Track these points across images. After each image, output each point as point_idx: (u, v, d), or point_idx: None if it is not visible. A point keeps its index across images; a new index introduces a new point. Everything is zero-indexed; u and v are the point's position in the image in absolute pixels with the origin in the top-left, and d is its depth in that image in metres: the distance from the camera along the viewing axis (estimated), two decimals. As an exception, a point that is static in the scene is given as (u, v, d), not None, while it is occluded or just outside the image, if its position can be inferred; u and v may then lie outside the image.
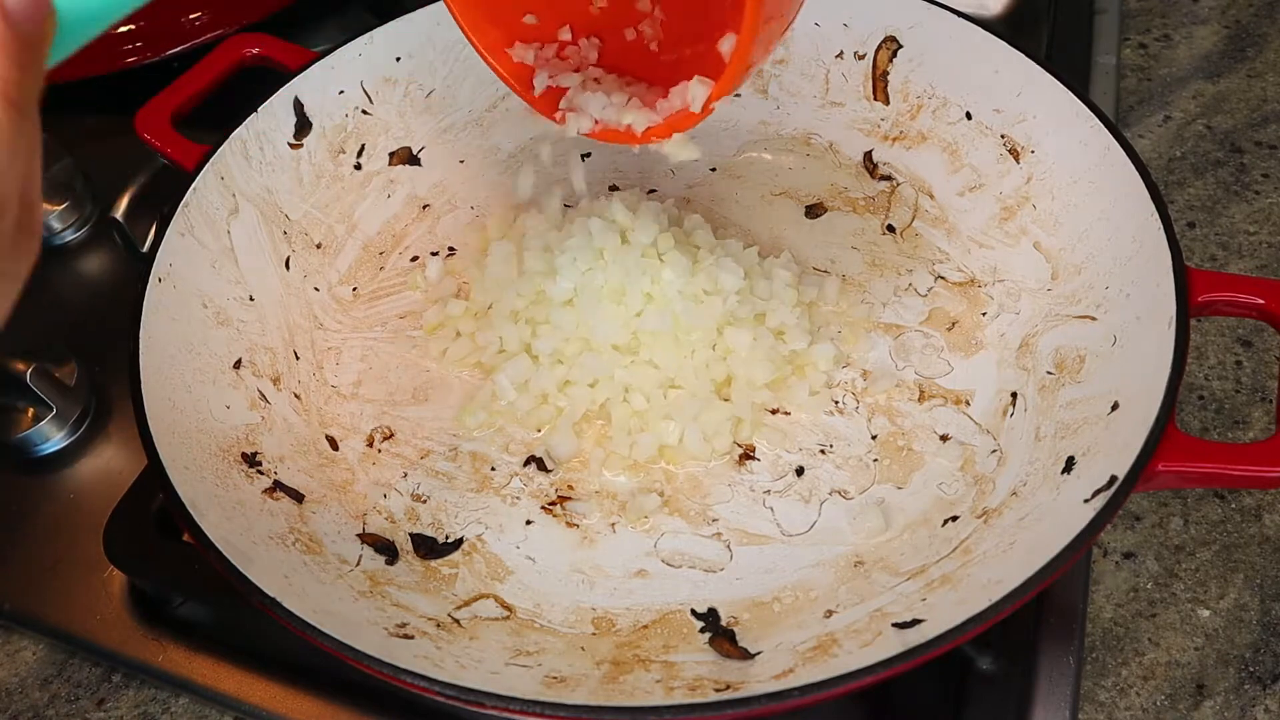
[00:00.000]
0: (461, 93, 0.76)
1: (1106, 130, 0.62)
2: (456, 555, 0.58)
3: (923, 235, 0.71)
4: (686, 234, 0.68)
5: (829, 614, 0.53)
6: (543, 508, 0.60)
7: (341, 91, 0.72)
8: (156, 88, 0.68)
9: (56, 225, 0.81)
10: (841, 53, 0.75)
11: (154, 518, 0.60)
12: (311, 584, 0.52)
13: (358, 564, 0.56)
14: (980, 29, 0.69)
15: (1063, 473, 0.54)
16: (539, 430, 0.63)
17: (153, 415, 0.53)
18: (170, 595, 0.61)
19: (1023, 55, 0.67)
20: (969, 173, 0.70)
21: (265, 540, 0.53)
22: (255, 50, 0.71)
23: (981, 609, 0.45)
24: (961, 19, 0.70)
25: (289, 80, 0.69)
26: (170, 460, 0.52)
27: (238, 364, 0.62)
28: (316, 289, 0.69)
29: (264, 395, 0.62)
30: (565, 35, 0.59)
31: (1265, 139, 0.84)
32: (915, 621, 0.49)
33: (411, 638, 0.51)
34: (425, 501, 0.60)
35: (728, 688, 0.49)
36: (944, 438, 0.61)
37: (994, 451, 0.60)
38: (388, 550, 0.57)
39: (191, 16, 0.91)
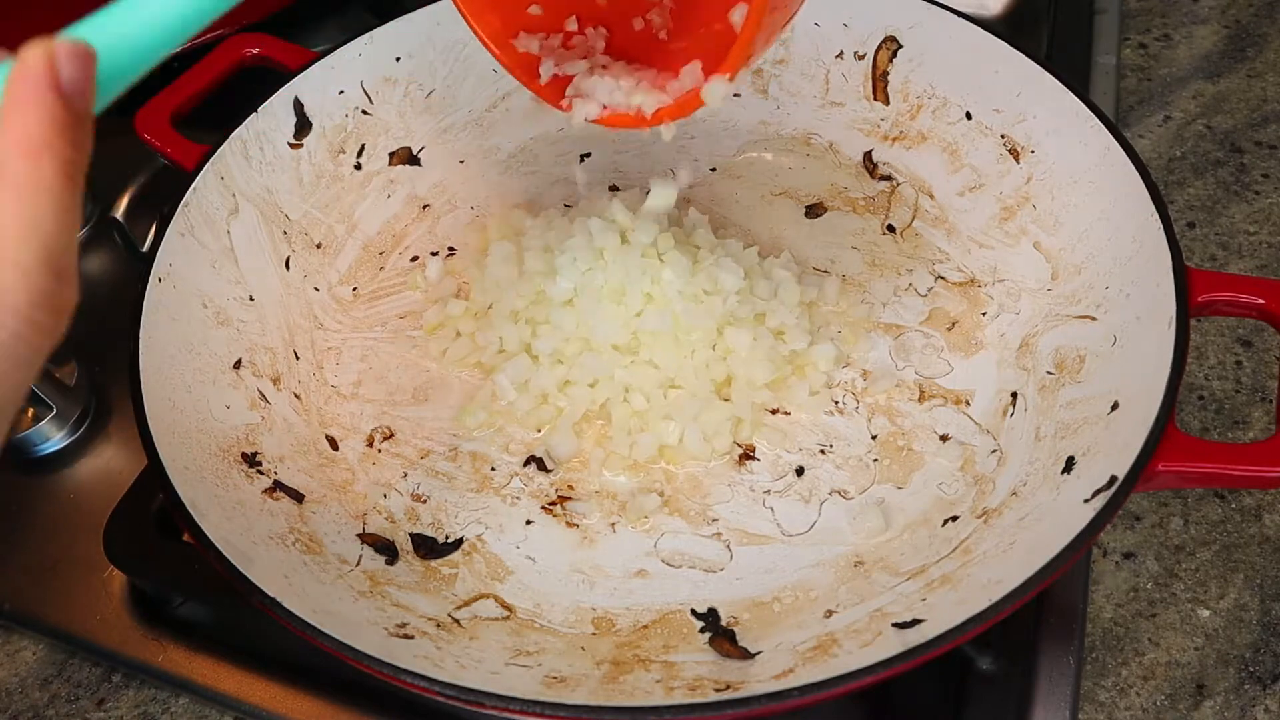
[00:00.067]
0: (461, 93, 0.76)
1: (1106, 130, 0.62)
2: (456, 555, 0.58)
3: (923, 235, 0.71)
4: (686, 234, 0.68)
5: (829, 614, 0.53)
6: (543, 508, 0.60)
7: (341, 91, 0.72)
8: (156, 88, 0.68)
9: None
10: (841, 53, 0.75)
11: (154, 518, 0.60)
12: (311, 584, 0.52)
13: (358, 564, 0.56)
14: (980, 29, 0.69)
15: (1063, 473, 0.54)
16: (539, 430, 0.63)
17: (153, 415, 0.53)
18: (170, 595, 0.61)
19: (1023, 55, 0.67)
20: (969, 173, 0.70)
21: (265, 540, 0.53)
22: (255, 50, 0.71)
23: (981, 609, 0.45)
24: (961, 19, 0.70)
25: (289, 80, 0.69)
26: (170, 460, 0.52)
27: (238, 364, 0.62)
28: (316, 289, 0.69)
29: (264, 395, 0.62)
30: (572, 26, 0.59)
31: (1265, 139, 0.84)
32: (915, 621, 0.49)
33: (411, 638, 0.51)
34: (425, 501, 0.60)
35: (728, 688, 0.49)
36: (944, 438, 0.61)
37: (994, 451, 0.60)
38: (388, 550, 0.57)
39: (191, 16, 0.91)
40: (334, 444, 0.63)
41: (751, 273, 0.65)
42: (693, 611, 0.55)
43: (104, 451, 0.68)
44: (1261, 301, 0.54)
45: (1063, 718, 0.54)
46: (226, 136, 0.66)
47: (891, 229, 0.72)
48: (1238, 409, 0.68)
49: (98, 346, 0.72)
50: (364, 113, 0.73)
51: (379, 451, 0.62)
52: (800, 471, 0.61)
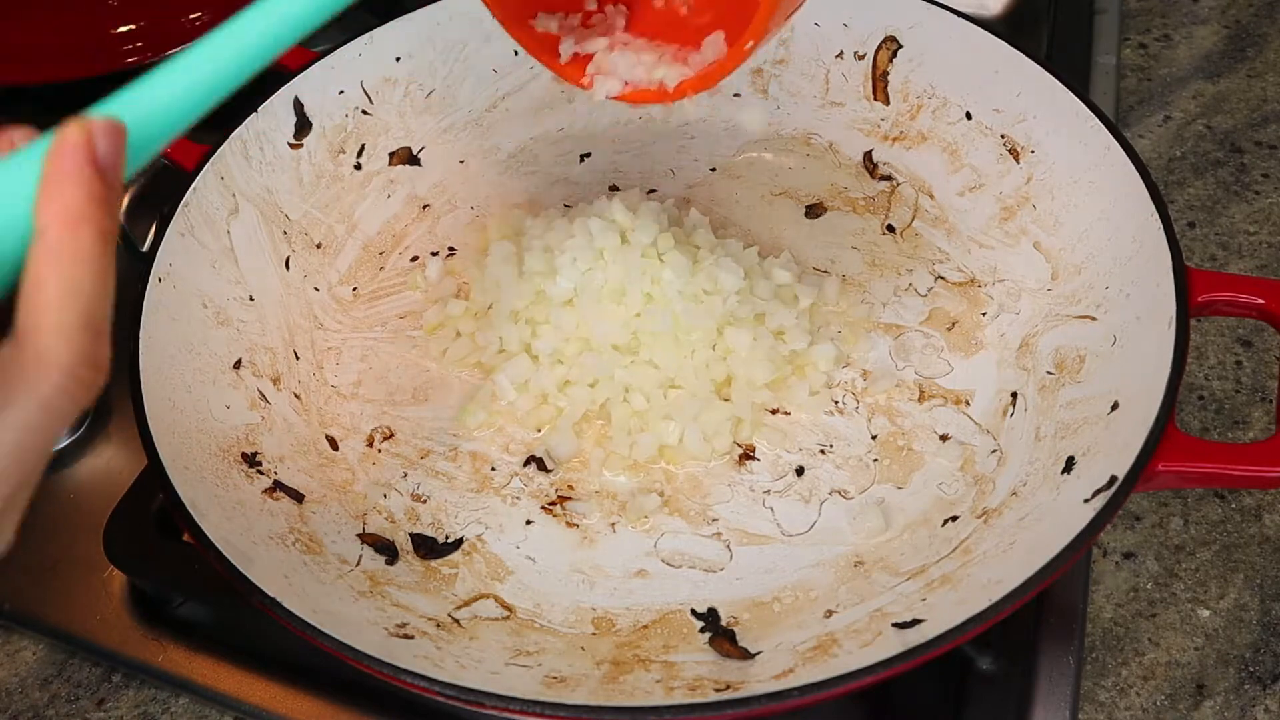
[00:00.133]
0: (461, 93, 0.76)
1: (1106, 130, 0.62)
2: (456, 555, 0.58)
3: (923, 235, 0.71)
4: (686, 234, 0.68)
5: (829, 614, 0.53)
6: (543, 508, 0.60)
7: (341, 91, 0.72)
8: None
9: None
10: (841, 53, 0.75)
11: (154, 518, 0.60)
12: (311, 584, 0.52)
13: (358, 564, 0.56)
14: (980, 29, 0.69)
15: (1063, 473, 0.54)
16: (539, 430, 0.63)
17: (153, 415, 0.53)
18: (170, 595, 0.61)
19: (1023, 55, 0.67)
20: (969, 173, 0.70)
21: (265, 540, 0.53)
22: (255, 50, 0.71)
23: (981, 609, 0.45)
24: (961, 19, 0.70)
25: (289, 80, 0.69)
26: (170, 460, 0.52)
27: (238, 364, 0.62)
28: (316, 289, 0.69)
29: (264, 395, 0.62)
30: (591, 4, 0.58)
31: (1265, 139, 0.84)
32: (915, 621, 0.49)
33: (411, 638, 0.51)
34: (425, 501, 0.60)
35: (728, 688, 0.49)
36: (944, 438, 0.61)
37: (994, 451, 0.60)
38: (388, 550, 0.57)
39: (191, 16, 0.91)
40: (334, 444, 0.63)
41: (751, 273, 0.65)
42: (693, 611, 0.55)
43: (104, 451, 0.68)
44: (1261, 301, 0.54)
45: (1063, 718, 0.54)
46: (226, 136, 0.66)
47: (891, 229, 0.72)
48: (1238, 409, 0.68)
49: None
50: (364, 113, 0.73)
51: (379, 451, 0.62)
52: (800, 471, 0.61)
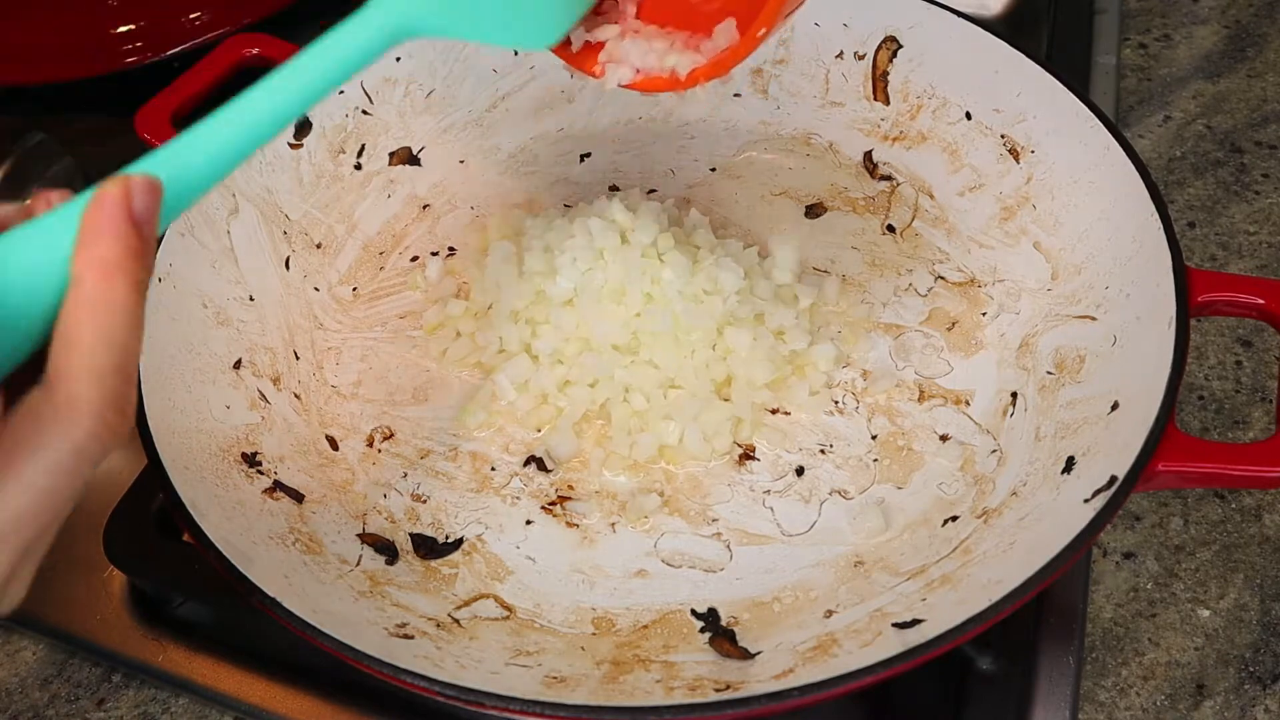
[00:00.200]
0: (461, 93, 0.76)
1: (1106, 130, 0.62)
2: (456, 555, 0.58)
3: (923, 235, 0.71)
4: (686, 234, 0.68)
5: (829, 614, 0.53)
6: (543, 508, 0.60)
7: (341, 91, 0.72)
8: (156, 88, 0.68)
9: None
10: (841, 53, 0.75)
11: (154, 518, 0.60)
12: (311, 584, 0.52)
13: (358, 564, 0.56)
14: (980, 29, 0.69)
15: (1063, 473, 0.54)
16: (539, 430, 0.63)
17: (153, 415, 0.53)
18: (170, 595, 0.61)
19: (1023, 55, 0.67)
20: (969, 173, 0.70)
21: (265, 540, 0.53)
22: (255, 50, 0.71)
23: (981, 609, 0.45)
24: (961, 19, 0.70)
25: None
26: (170, 460, 0.52)
27: (238, 364, 0.62)
28: (316, 289, 0.69)
29: (264, 395, 0.62)
30: None
31: (1265, 139, 0.84)
32: (915, 621, 0.49)
33: (411, 638, 0.51)
34: (425, 501, 0.60)
35: (728, 688, 0.49)
36: (944, 438, 0.61)
37: (994, 451, 0.60)
38: (388, 550, 0.57)
39: (191, 16, 0.91)
40: (334, 444, 0.63)
41: (751, 273, 0.65)
42: (693, 611, 0.55)
43: (104, 451, 0.68)
44: (1261, 301, 0.54)
45: (1063, 718, 0.54)
46: (226, 136, 0.66)
47: (891, 229, 0.72)
48: (1238, 409, 0.68)
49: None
50: (364, 113, 0.73)
51: (379, 451, 0.62)
52: (800, 471, 0.61)
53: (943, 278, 0.68)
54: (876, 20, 0.73)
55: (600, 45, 0.55)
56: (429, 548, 0.58)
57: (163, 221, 0.38)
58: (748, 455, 0.61)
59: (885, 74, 0.74)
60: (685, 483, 0.61)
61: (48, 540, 0.35)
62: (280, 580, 0.50)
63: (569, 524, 0.59)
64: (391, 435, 0.63)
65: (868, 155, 0.75)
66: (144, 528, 0.60)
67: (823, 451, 0.61)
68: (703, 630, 0.54)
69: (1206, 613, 0.60)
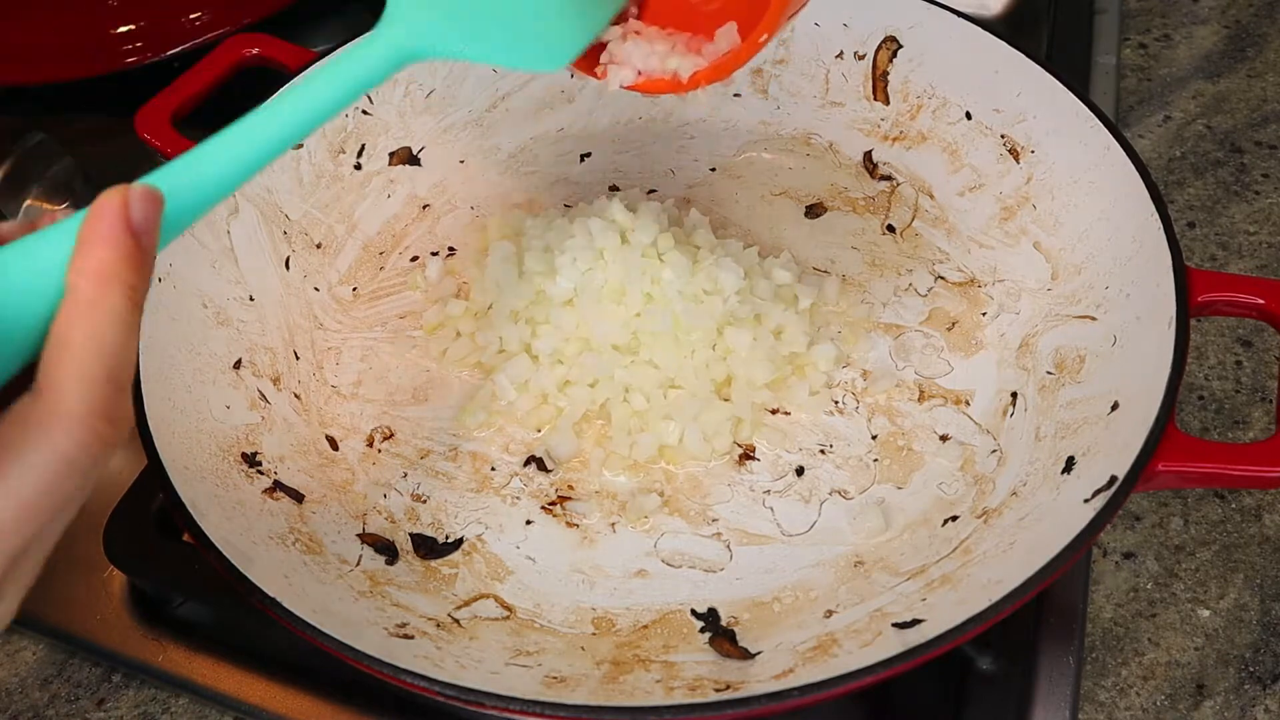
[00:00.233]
0: (461, 93, 0.76)
1: (1106, 130, 0.62)
2: (456, 555, 0.58)
3: (923, 235, 0.71)
4: (686, 234, 0.68)
5: (829, 614, 0.53)
6: (543, 508, 0.60)
7: (341, 91, 0.71)
8: (156, 88, 0.68)
9: (56, 225, 0.81)
10: (841, 53, 0.75)
11: (154, 518, 0.60)
12: (311, 584, 0.52)
13: (358, 564, 0.56)
14: (980, 29, 0.69)
15: (1063, 473, 0.54)
16: (539, 430, 0.63)
17: (153, 415, 0.53)
18: (170, 595, 0.61)
19: (1023, 55, 0.67)
20: (969, 173, 0.70)
21: (265, 540, 0.53)
22: (255, 50, 0.71)
23: (981, 609, 0.45)
24: (961, 19, 0.70)
25: (289, 80, 0.69)
26: (170, 460, 0.52)
27: (238, 364, 0.62)
28: (316, 289, 0.69)
29: (264, 395, 0.62)
30: None
31: (1265, 139, 0.84)
32: (915, 621, 0.49)
33: (411, 638, 0.51)
34: (425, 501, 0.60)
35: (728, 688, 0.49)
36: (944, 438, 0.61)
37: (994, 451, 0.60)
38: (388, 550, 0.57)
39: (191, 16, 0.91)
40: (334, 444, 0.63)
41: (751, 273, 0.65)
42: (693, 611, 0.55)
43: (104, 451, 0.68)
44: (1261, 301, 0.54)
45: (1063, 718, 0.54)
46: (226, 136, 0.66)
47: (891, 229, 0.72)
48: (1238, 409, 0.68)
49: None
50: (364, 113, 0.73)
51: (379, 451, 0.62)
52: (800, 471, 0.61)
53: (943, 278, 0.68)
54: (876, 20, 0.73)
55: (602, 46, 0.55)
56: (429, 548, 0.58)
57: (165, 238, 0.38)
58: (748, 455, 0.61)
59: (885, 74, 0.74)
60: (685, 483, 0.61)
61: (40, 555, 0.34)
62: (280, 580, 0.50)
63: (569, 524, 0.59)
64: (391, 435, 0.63)
65: (868, 155, 0.75)
66: (144, 528, 0.60)
67: (823, 451, 0.61)
68: (703, 630, 0.54)
69: (1206, 613, 0.60)
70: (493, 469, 0.62)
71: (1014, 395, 0.61)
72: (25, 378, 0.34)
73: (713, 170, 0.76)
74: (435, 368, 0.66)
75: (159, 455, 0.52)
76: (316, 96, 0.43)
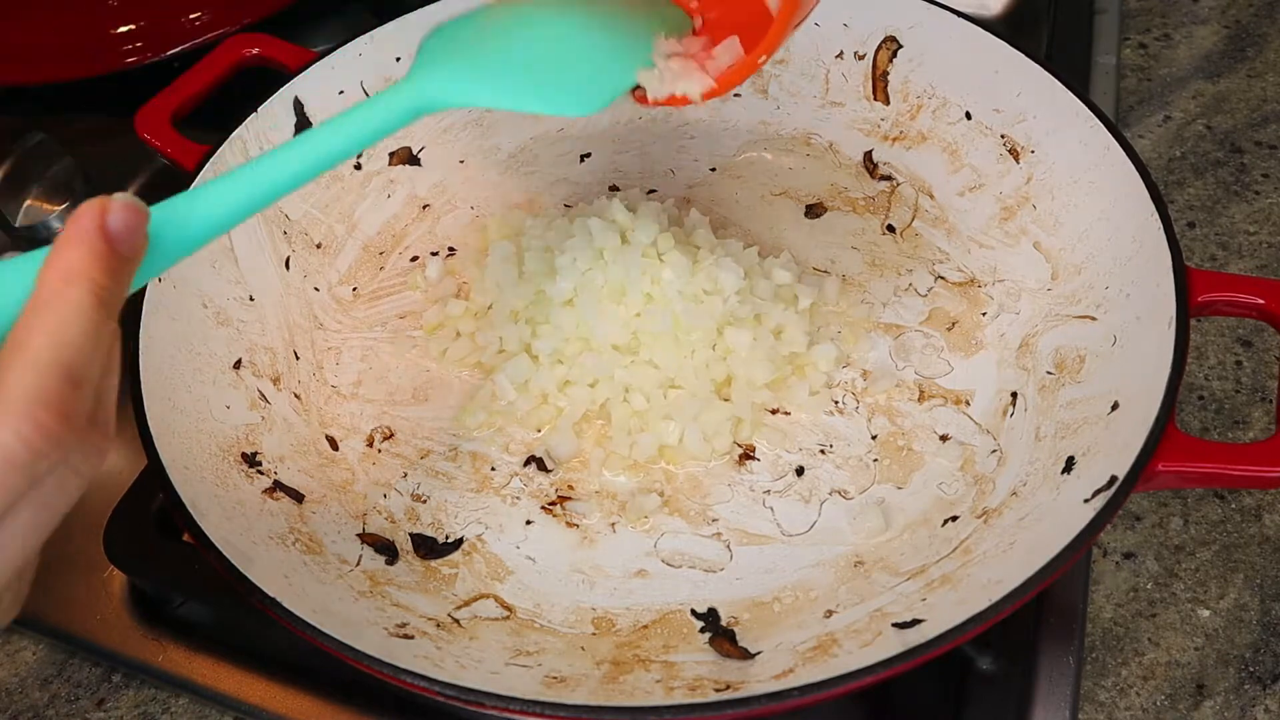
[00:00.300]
0: (461, 93, 0.76)
1: (1106, 130, 0.62)
2: (456, 555, 0.58)
3: (923, 235, 0.71)
4: (686, 234, 0.68)
5: (829, 614, 0.53)
6: (543, 508, 0.60)
7: (341, 92, 0.71)
8: (156, 88, 0.68)
9: (57, 225, 0.81)
10: (841, 53, 0.75)
11: (154, 518, 0.60)
12: (311, 584, 0.52)
13: (358, 564, 0.56)
14: (980, 29, 0.69)
15: (1063, 473, 0.54)
16: (539, 430, 0.63)
17: (153, 415, 0.53)
18: (170, 595, 0.61)
19: (1023, 55, 0.67)
20: (969, 173, 0.70)
21: (265, 540, 0.53)
22: (255, 50, 0.71)
23: (981, 609, 0.45)
24: (961, 19, 0.70)
25: (289, 80, 0.69)
26: (170, 460, 0.52)
27: (238, 364, 0.62)
28: (316, 289, 0.69)
29: (264, 395, 0.62)
30: None
31: (1265, 139, 0.84)
32: (915, 621, 0.49)
33: (411, 638, 0.51)
34: (425, 501, 0.60)
35: (728, 688, 0.49)
36: (944, 438, 0.61)
37: (994, 451, 0.60)
38: (388, 550, 0.58)
39: (191, 16, 0.91)
40: (334, 444, 0.63)
41: (751, 273, 0.65)
42: (693, 611, 0.55)
43: (104, 451, 0.68)
44: (1261, 301, 0.54)
45: (1063, 718, 0.54)
46: (226, 136, 0.66)
47: (891, 229, 0.72)
48: (1238, 409, 0.68)
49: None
50: (364, 113, 0.73)
51: (379, 451, 0.62)
52: (800, 471, 0.61)
53: (943, 278, 0.68)
54: (876, 20, 0.73)
55: None
56: (429, 548, 0.58)
57: (167, 259, 0.38)
58: (748, 455, 0.61)
59: (885, 74, 0.74)
60: (685, 483, 0.61)
61: (12, 563, 0.32)
62: (280, 580, 0.50)
63: (569, 524, 0.59)
64: (391, 435, 0.63)
65: (868, 155, 0.75)
66: (144, 528, 0.60)
67: (823, 451, 0.61)
68: (703, 630, 0.54)
69: (1206, 613, 0.60)
70: (493, 469, 0.62)
71: (1014, 395, 0.61)
72: None
73: (713, 170, 0.76)
74: (435, 368, 0.66)
75: (159, 455, 0.52)
76: (334, 137, 0.44)
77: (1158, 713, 0.57)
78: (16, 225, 0.76)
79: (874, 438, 0.62)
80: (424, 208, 0.75)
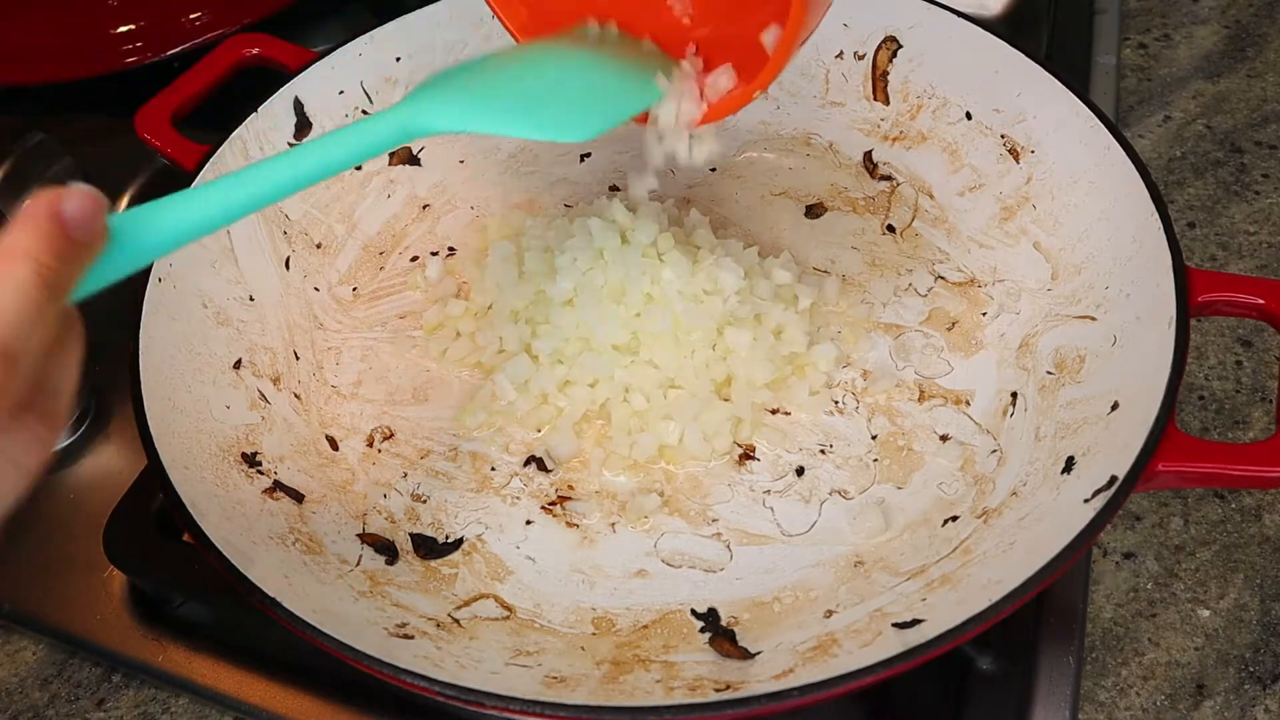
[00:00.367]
0: (461, 93, 0.76)
1: (1106, 130, 0.62)
2: (456, 555, 0.58)
3: (923, 235, 0.71)
4: (686, 234, 0.68)
5: (829, 614, 0.53)
6: (543, 508, 0.60)
7: (341, 91, 0.72)
8: (156, 88, 0.68)
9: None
10: (841, 53, 0.75)
11: (154, 518, 0.60)
12: (311, 584, 0.52)
13: (358, 564, 0.56)
14: (980, 29, 0.69)
15: (1063, 473, 0.54)
16: (539, 430, 0.63)
17: (153, 415, 0.54)
18: (170, 595, 0.61)
19: (1023, 55, 0.67)
20: (969, 173, 0.70)
21: (265, 540, 0.53)
22: (255, 50, 0.71)
23: (981, 609, 0.45)
24: (961, 19, 0.70)
25: (289, 80, 0.69)
26: (170, 460, 0.52)
27: (238, 364, 0.62)
28: (316, 289, 0.69)
29: (264, 395, 0.62)
30: (593, 25, 0.58)
31: (1265, 139, 0.84)
32: (915, 621, 0.49)
33: (411, 638, 0.51)
34: (425, 501, 0.60)
35: (728, 688, 0.49)
36: (944, 438, 0.61)
37: (994, 451, 0.60)
38: (388, 550, 0.57)
39: (191, 16, 0.91)
40: (334, 444, 0.63)
41: (751, 273, 0.65)
42: (693, 611, 0.55)
43: (104, 451, 0.68)
44: (1261, 301, 0.54)
45: (1063, 718, 0.54)
46: (226, 136, 0.66)
47: (891, 229, 0.72)
48: (1238, 409, 0.68)
49: (97, 346, 0.72)
50: (364, 113, 0.73)
51: (379, 451, 0.62)
52: (800, 471, 0.61)
53: (943, 278, 0.68)
54: (876, 20, 0.73)
55: None
56: (429, 548, 0.58)
57: (121, 261, 0.38)
58: (748, 455, 0.61)
59: (885, 74, 0.74)
60: (685, 483, 0.61)
61: None
62: (280, 580, 0.50)
63: (569, 524, 0.59)
64: (391, 435, 0.63)
65: (868, 155, 0.75)
66: (144, 528, 0.60)
67: (823, 451, 0.61)
68: (703, 630, 0.54)
69: (1206, 613, 0.60)
70: (493, 469, 0.62)
71: (1014, 395, 0.61)
72: None
73: (713, 170, 0.76)
74: (435, 368, 0.66)
75: (159, 455, 0.52)
76: (326, 152, 0.44)
77: (1158, 713, 0.57)
78: (16, 225, 0.76)
79: (874, 438, 0.62)
80: (424, 208, 0.75)
